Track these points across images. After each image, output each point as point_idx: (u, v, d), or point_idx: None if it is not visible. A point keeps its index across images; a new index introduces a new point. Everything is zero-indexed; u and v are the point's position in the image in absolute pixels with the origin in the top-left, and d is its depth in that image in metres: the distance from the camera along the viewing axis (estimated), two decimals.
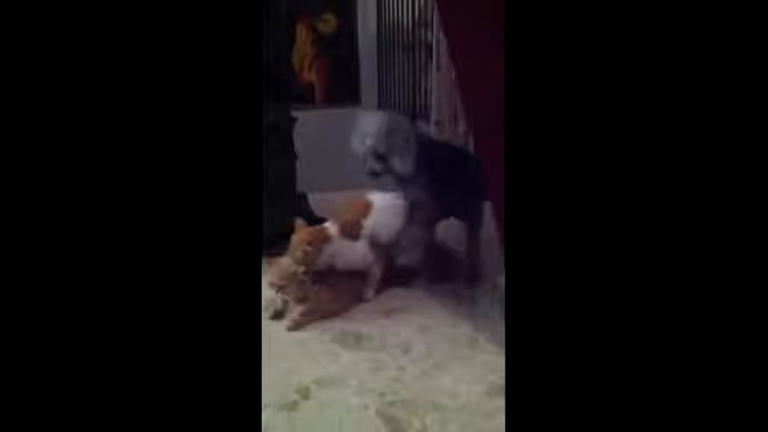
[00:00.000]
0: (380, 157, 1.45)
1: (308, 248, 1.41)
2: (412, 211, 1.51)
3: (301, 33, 3.88)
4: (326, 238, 1.46)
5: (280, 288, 1.40)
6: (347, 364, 1.26)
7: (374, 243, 1.51)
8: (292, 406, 1.12)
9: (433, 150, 1.56)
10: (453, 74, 2.50)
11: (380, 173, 1.48)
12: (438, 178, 1.50)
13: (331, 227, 1.50)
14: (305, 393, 1.15)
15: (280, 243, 1.51)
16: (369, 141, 1.44)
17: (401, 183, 1.52)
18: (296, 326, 1.42)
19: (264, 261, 1.39)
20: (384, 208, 1.52)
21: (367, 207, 1.53)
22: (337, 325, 1.44)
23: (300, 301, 1.44)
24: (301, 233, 1.45)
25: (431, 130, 2.93)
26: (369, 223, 1.50)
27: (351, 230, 1.50)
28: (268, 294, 1.44)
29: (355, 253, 1.50)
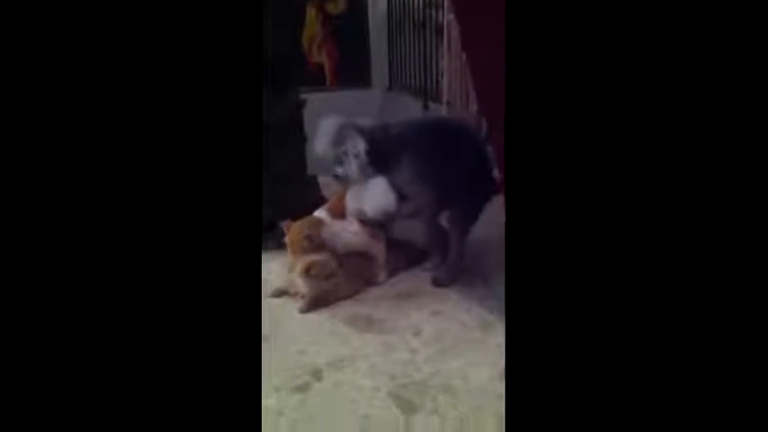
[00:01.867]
0: (336, 161, 1.49)
1: (310, 234, 1.43)
2: (399, 201, 1.49)
3: (311, 14, 3.84)
4: (320, 223, 1.48)
5: (307, 272, 1.42)
6: (359, 347, 1.27)
7: (361, 219, 1.52)
8: (305, 388, 1.13)
9: (424, 134, 1.54)
10: (463, 56, 2.49)
11: (341, 176, 1.51)
12: (427, 164, 1.47)
13: (320, 213, 1.53)
14: (318, 375, 1.16)
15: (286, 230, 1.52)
16: (322, 149, 1.50)
17: (383, 174, 1.50)
18: (308, 309, 1.43)
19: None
20: (362, 185, 1.49)
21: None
22: (349, 308, 1.45)
23: (328, 277, 1.44)
24: (295, 228, 1.46)
25: (442, 110, 2.91)
26: (349, 201, 1.52)
27: (336, 210, 1.53)
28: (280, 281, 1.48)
29: (348, 230, 1.53)
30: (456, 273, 1.57)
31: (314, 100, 1.96)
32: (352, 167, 1.47)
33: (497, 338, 1.28)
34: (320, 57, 3.96)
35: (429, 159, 1.47)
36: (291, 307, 1.45)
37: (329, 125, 1.50)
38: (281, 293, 1.50)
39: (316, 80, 3.74)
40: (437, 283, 1.55)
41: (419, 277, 1.61)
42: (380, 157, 1.47)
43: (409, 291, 1.54)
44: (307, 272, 1.42)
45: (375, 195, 1.46)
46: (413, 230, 1.65)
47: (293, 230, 1.46)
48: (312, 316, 1.42)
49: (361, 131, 1.46)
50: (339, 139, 1.47)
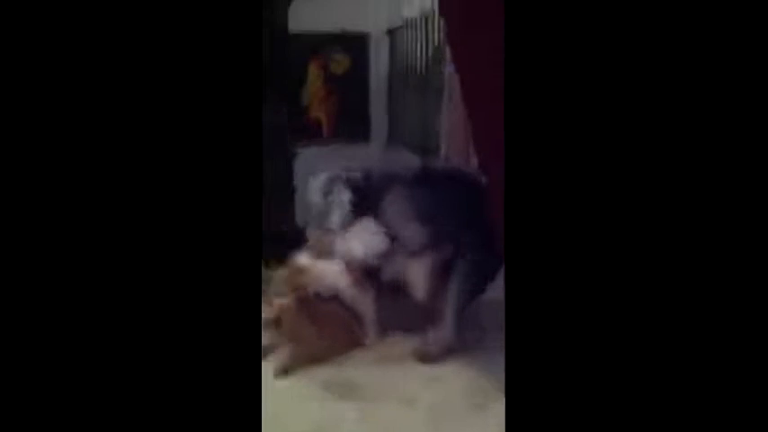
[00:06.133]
0: (325, 214, 1.50)
1: (289, 278, 1.34)
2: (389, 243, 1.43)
3: (313, 72, 3.91)
4: (301, 268, 1.39)
5: (277, 324, 1.30)
6: (338, 416, 1.11)
7: (349, 263, 1.42)
8: None
9: (412, 178, 1.51)
10: (464, 112, 2.48)
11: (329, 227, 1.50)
12: (415, 204, 1.45)
13: (302, 257, 1.44)
14: None
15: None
16: (312, 203, 1.52)
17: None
18: (284, 371, 1.27)
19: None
20: (353, 230, 1.44)
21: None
22: (328, 371, 1.29)
23: (293, 340, 1.31)
24: (279, 271, 1.39)
25: (441, 163, 2.87)
26: (338, 246, 1.43)
27: (321, 252, 1.45)
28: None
29: (333, 271, 1.41)
30: (447, 346, 1.37)
31: (310, 154, 1.95)
32: (335, 217, 1.46)
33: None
34: (320, 112, 4.00)
35: (417, 201, 1.43)
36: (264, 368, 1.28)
37: (320, 178, 1.52)
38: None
39: (313, 134, 3.74)
40: (421, 357, 1.35)
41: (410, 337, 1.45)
42: (365, 204, 1.46)
43: (399, 353, 1.38)
44: (276, 322, 1.31)
45: (362, 237, 1.41)
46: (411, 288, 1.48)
47: (276, 272, 1.39)
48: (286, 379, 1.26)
49: (348, 182, 1.48)
50: (327, 191, 1.49)
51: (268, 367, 1.27)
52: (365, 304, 1.42)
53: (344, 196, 1.45)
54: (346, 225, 1.45)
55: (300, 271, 1.38)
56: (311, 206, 1.53)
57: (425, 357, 1.34)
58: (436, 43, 3.17)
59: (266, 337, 1.31)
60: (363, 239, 1.40)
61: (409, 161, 3.21)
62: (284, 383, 1.22)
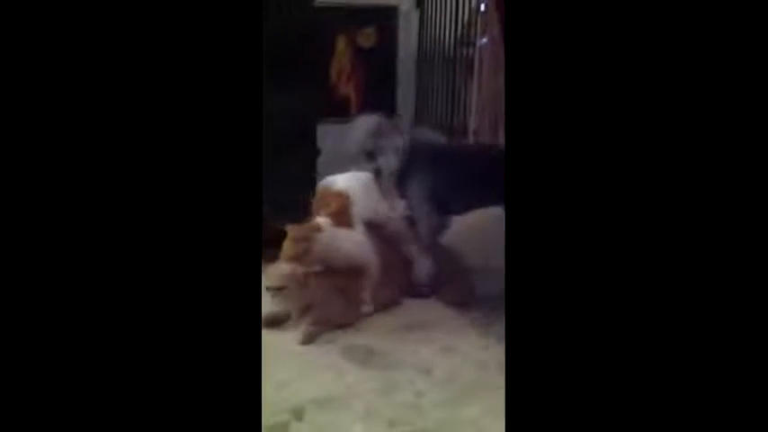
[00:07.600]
0: (370, 155, 1.53)
1: (301, 243, 1.27)
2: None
3: (340, 45, 3.86)
4: (317, 228, 1.32)
5: (277, 290, 1.25)
6: (353, 383, 1.08)
7: (370, 227, 1.43)
8: (280, 428, 0.93)
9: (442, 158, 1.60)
10: (496, 86, 2.43)
11: (380, 169, 1.54)
12: (438, 189, 1.51)
13: (320, 219, 1.36)
14: (298, 414, 0.97)
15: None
16: (358, 141, 1.55)
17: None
18: (308, 338, 1.25)
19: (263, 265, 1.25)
20: (359, 190, 1.45)
21: (343, 196, 1.43)
22: (346, 337, 1.27)
23: (307, 309, 1.29)
24: (291, 231, 1.31)
25: (469, 139, 2.82)
26: (356, 210, 1.41)
27: (341, 219, 1.39)
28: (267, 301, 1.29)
29: (352, 241, 1.37)
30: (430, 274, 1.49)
31: (337, 131, 1.89)
32: (391, 161, 1.49)
33: None
34: (347, 89, 3.95)
35: (436, 181, 1.50)
36: (276, 334, 1.28)
37: (368, 120, 1.55)
38: (270, 323, 1.32)
39: (340, 112, 3.70)
40: (416, 290, 1.49)
41: (430, 306, 1.44)
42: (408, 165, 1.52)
43: (419, 322, 1.36)
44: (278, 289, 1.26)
45: (373, 199, 1.48)
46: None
47: (290, 233, 1.30)
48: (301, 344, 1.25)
49: (400, 129, 1.55)
50: (378, 132, 1.51)
51: (285, 335, 1.26)
52: (374, 266, 1.38)
53: (398, 141, 1.49)
54: (396, 170, 1.49)
55: (314, 233, 1.31)
56: (357, 145, 1.53)
57: (420, 289, 1.47)
58: (467, 17, 3.08)
59: (278, 305, 1.29)
60: (369, 201, 1.45)
61: (435, 139, 3.15)
62: (301, 350, 1.21)
